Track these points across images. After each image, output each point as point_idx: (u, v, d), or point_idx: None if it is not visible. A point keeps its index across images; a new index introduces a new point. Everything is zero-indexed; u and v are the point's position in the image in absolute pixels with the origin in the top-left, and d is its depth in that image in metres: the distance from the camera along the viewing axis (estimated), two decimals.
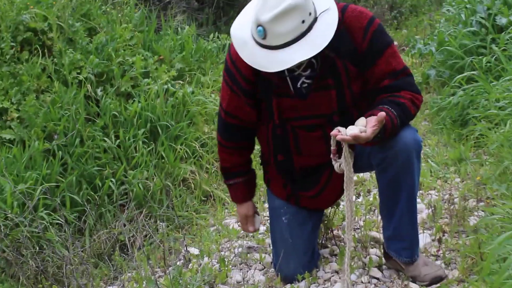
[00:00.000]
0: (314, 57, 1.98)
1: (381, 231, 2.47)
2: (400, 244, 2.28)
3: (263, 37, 1.94)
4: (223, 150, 2.42)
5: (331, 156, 2.04)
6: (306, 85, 2.13)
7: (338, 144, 1.99)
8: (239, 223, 2.57)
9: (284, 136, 2.25)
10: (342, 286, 2.24)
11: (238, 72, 2.18)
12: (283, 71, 2.04)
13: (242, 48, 2.01)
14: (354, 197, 2.99)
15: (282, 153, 2.30)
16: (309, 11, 1.92)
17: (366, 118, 1.95)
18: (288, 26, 1.90)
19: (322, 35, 1.94)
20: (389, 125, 1.97)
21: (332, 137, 1.99)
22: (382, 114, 1.91)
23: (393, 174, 2.14)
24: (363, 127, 1.91)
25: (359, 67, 2.10)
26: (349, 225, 2.08)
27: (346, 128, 1.94)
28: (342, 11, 2.06)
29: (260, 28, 1.92)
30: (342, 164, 2.01)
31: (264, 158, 2.45)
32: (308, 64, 2.08)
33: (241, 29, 2.03)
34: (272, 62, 1.95)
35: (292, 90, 2.14)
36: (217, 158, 3.70)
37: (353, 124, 1.99)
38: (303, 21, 1.91)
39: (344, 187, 2.04)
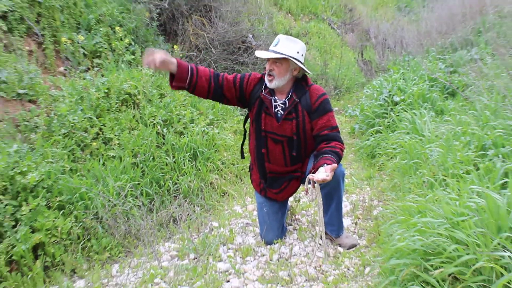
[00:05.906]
0: (288, 98, 2.02)
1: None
2: (331, 227, 2.25)
3: (275, 44, 1.98)
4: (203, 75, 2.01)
5: (305, 193, 1.94)
6: (280, 112, 2.06)
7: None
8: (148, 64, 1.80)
9: (262, 144, 2.11)
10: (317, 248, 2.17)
11: (248, 79, 2.10)
12: (271, 100, 2.03)
13: (259, 53, 2.00)
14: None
15: (259, 159, 2.17)
16: (301, 53, 2.00)
17: (323, 167, 1.84)
18: (289, 45, 1.97)
19: (285, 51, 1.98)
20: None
21: (306, 180, 1.90)
22: (335, 165, 1.84)
23: (327, 191, 2.07)
24: (326, 172, 1.78)
25: (310, 116, 2.06)
26: (320, 233, 2.03)
27: (314, 174, 1.83)
28: (311, 84, 2.09)
29: (278, 39, 1.98)
30: (312, 196, 1.91)
31: (251, 167, 2.31)
32: (283, 101, 2.06)
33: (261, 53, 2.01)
34: (265, 53, 1.97)
35: (273, 111, 2.07)
36: (232, 170, 3.48)
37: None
38: (297, 52, 1.98)
39: (318, 213, 1.95)
